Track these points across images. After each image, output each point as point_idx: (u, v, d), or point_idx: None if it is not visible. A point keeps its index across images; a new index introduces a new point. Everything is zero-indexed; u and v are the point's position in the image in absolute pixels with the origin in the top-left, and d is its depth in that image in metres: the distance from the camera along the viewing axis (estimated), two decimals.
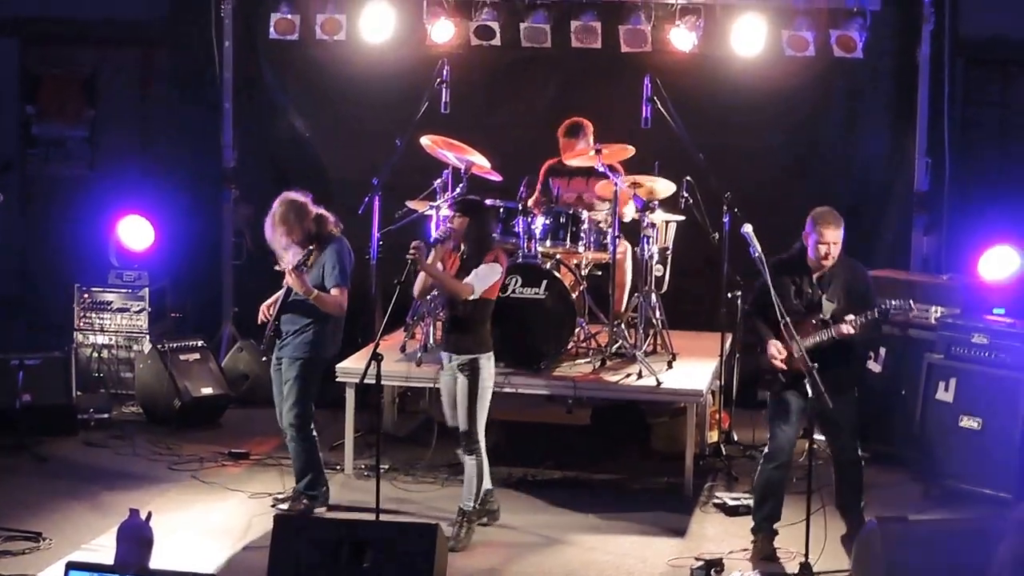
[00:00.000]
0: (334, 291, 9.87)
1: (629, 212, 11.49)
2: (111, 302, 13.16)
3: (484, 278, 9.57)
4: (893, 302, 9.11)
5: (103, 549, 8.95)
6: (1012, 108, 13.26)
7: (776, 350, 9.15)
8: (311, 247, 9.83)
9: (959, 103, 12.99)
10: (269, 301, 10.08)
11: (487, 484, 9.85)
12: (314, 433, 10.05)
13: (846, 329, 9.05)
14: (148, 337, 13.01)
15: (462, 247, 9.70)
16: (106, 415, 12.30)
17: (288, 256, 9.85)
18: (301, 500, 10.07)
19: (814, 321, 9.16)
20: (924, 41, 12.65)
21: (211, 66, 13.68)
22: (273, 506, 10.16)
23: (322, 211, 10.03)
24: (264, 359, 10.47)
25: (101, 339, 13.13)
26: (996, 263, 11.58)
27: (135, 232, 13.39)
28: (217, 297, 13.91)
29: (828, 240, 9.12)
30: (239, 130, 13.86)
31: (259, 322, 10.09)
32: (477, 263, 9.59)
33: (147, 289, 13.16)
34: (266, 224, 9.97)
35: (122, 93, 14.72)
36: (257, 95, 14.03)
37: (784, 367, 9.13)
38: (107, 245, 13.40)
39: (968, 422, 10.54)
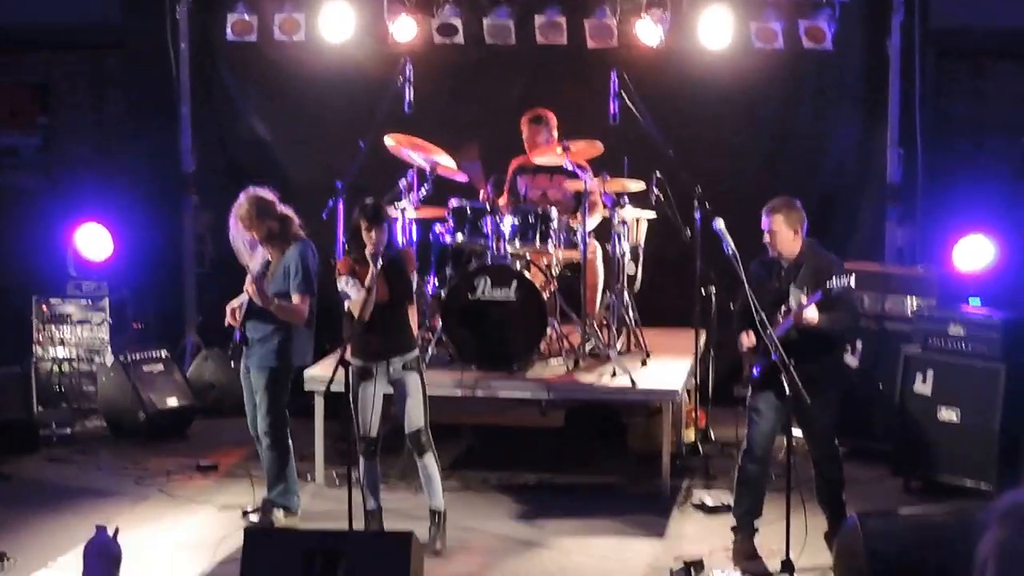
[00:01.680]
0: (296, 299, 9.61)
1: (595, 221, 11.39)
2: (70, 314, 12.88)
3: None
4: (835, 281, 8.69)
5: (69, 567, 8.83)
6: (983, 98, 13.24)
7: (745, 337, 9.04)
8: (270, 258, 9.58)
9: (930, 94, 12.94)
10: (234, 303, 9.77)
11: None
12: (289, 441, 9.83)
13: (799, 309, 8.79)
14: (110, 349, 12.74)
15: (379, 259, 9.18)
16: (69, 430, 12.06)
17: (255, 257, 9.61)
18: (272, 510, 9.83)
19: (782, 310, 8.99)
20: (894, 32, 12.52)
21: (167, 70, 13.41)
22: (243, 517, 9.95)
23: (288, 211, 9.77)
24: (232, 366, 10.26)
25: (61, 352, 12.84)
26: (970, 253, 11.59)
27: (93, 241, 13.11)
28: (179, 306, 13.64)
29: (764, 227, 9.04)
30: (198, 135, 13.59)
31: (226, 324, 9.80)
32: (396, 271, 9.29)
33: (107, 300, 12.88)
34: (230, 219, 9.72)
35: (76, 99, 14.53)
36: (215, 98, 13.78)
37: (753, 349, 8.98)
38: (65, 255, 13.10)
39: (947, 414, 10.47)
